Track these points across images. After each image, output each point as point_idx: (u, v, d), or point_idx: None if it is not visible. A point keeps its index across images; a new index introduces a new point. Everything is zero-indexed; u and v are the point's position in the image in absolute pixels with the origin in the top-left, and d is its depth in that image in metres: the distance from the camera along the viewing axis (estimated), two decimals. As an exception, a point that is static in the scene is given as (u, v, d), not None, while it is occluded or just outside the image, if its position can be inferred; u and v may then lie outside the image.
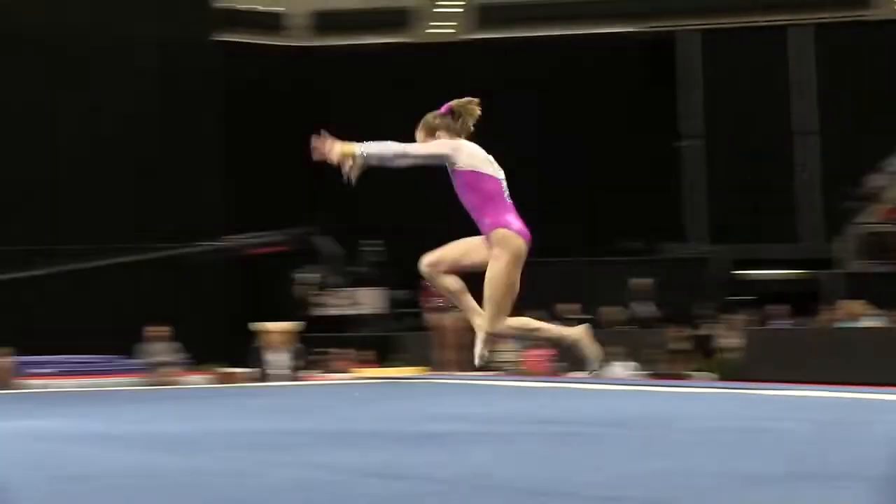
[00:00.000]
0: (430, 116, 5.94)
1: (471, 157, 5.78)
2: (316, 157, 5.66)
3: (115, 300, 15.56)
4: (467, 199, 5.81)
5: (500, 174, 5.83)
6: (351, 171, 5.61)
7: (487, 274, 5.74)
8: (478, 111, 5.93)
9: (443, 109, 5.93)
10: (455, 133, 5.87)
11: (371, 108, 18.03)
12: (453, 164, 5.76)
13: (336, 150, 5.61)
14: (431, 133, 5.90)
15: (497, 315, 5.76)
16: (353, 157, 5.60)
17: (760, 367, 11.98)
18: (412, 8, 21.95)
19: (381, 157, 5.67)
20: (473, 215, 5.83)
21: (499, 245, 5.71)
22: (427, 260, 5.90)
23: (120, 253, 15.14)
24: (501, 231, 5.72)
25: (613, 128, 20.15)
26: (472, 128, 5.93)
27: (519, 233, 5.73)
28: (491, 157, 5.84)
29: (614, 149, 20.03)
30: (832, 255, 17.85)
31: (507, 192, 5.82)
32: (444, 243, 5.93)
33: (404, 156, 5.73)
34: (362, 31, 21.69)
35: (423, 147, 5.84)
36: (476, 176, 5.77)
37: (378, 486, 3.75)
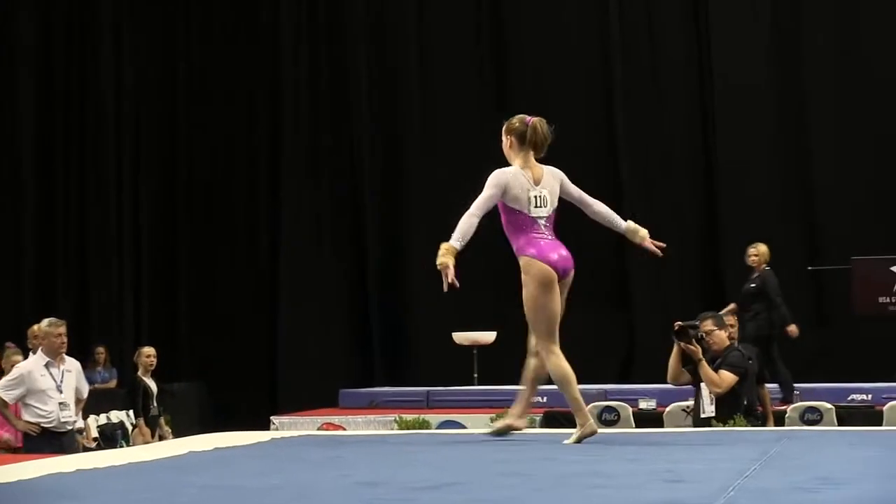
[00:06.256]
0: (516, 121, 6.09)
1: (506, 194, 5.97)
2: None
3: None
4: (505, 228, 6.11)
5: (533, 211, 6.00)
6: (449, 275, 5.76)
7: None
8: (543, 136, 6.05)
9: (526, 120, 6.07)
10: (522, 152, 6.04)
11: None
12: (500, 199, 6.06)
13: (442, 261, 5.78)
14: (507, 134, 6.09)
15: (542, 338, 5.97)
16: (454, 256, 5.77)
17: None
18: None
19: (465, 235, 5.84)
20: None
21: (524, 272, 5.98)
22: None
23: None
24: (524, 258, 5.97)
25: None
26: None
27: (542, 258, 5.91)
28: (533, 191, 5.98)
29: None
30: None
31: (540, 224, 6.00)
32: None
33: (474, 217, 5.89)
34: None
35: (479, 202, 5.94)
36: (507, 209, 6.01)
37: None
